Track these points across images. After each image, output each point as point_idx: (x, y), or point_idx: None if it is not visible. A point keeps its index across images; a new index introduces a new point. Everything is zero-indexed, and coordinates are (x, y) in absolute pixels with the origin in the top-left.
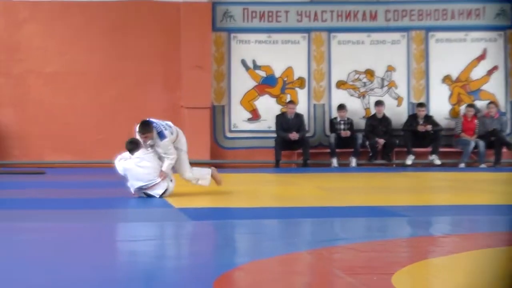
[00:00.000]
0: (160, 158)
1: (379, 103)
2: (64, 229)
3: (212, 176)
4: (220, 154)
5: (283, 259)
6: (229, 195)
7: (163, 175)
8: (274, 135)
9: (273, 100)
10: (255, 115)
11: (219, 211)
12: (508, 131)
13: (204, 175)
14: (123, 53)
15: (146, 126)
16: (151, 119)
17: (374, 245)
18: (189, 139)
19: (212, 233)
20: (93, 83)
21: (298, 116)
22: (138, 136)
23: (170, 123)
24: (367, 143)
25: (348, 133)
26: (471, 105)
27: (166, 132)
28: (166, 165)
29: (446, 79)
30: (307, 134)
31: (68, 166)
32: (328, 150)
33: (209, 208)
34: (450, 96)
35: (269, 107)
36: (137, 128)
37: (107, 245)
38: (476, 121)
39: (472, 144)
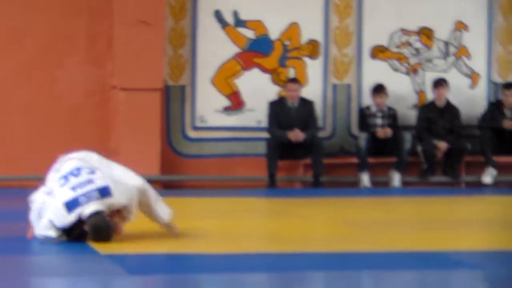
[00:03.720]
0: None
1: (440, 84)
2: None
3: None
4: (178, 165)
5: None
6: (193, 234)
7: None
8: (266, 134)
9: (267, 77)
10: (236, 102)
11: (175, 259)
12: None
13: None
14: (19, 2)
15: None
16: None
17: None
18: (127, 140)
19: None
20: None
21: (306, 104)
22: None
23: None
24: (419, 148)
25: (388, 131)
26: None
27: None
28: None
29: None
30: (321, 134)
31: None
32: (356, 160)
33: (157, 255)
34: None
35: (259, 89)
36: None
37: None
38: None
39: None
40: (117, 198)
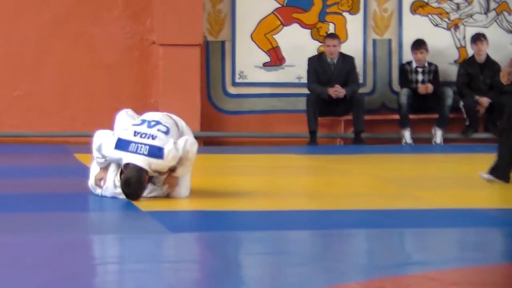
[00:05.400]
0: None
1: (478, 38)
2: None
3: None
4: (217, 121)
5: None
6: (233, 191)
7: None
8: (307, 91)
9: (306, 32)
10: (275, 58)
11: (216, 216)
12: None
13: None
14: None
15: None
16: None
17: (470, 274)
18: (167, 96)
19: (203, 253)
20: (5, 4)
21: (346, 60)
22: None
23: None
24: (461, 104)
25: (430, 87)
26: None
27: None
28: None
29: None
30: (361, 90)
31: None
32: (397, 117)
33: (198, 211)
34: None
35: (299, 45)
36: None
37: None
38: None
39: None
40: (166, 162)
